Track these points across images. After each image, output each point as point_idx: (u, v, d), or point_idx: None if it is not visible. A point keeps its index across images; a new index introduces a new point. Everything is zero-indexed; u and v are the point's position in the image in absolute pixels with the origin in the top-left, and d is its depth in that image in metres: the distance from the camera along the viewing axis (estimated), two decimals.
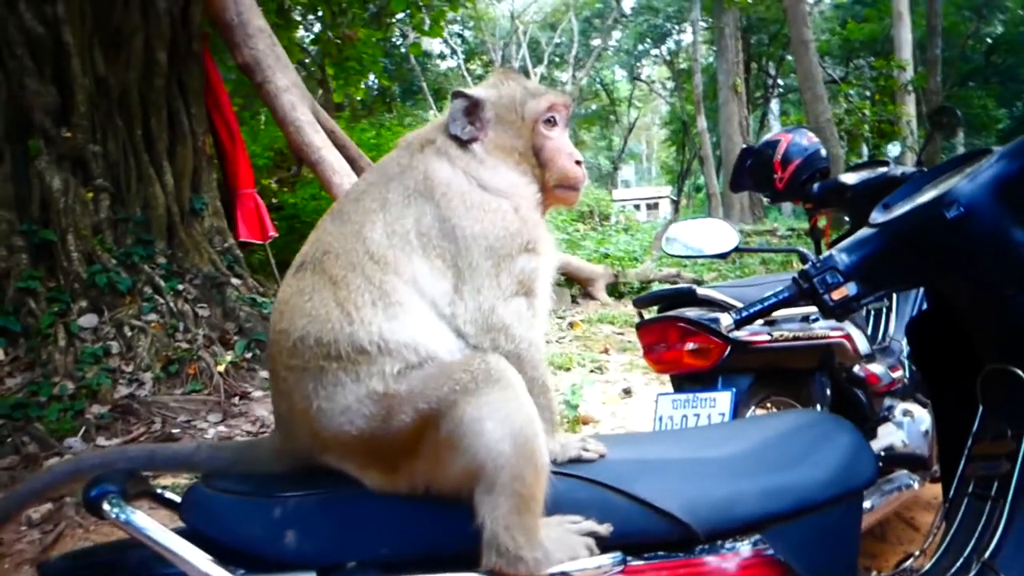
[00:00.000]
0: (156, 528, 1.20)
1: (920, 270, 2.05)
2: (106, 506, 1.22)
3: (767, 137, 4.17)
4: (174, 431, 5.91)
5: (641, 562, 1.36)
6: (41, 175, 6.99)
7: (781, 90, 38.74)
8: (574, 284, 12.52)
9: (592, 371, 7.90)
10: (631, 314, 11.31)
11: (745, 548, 1.44)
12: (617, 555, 1.32)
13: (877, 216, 2.12)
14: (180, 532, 1.28)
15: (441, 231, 1.48)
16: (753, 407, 3.23)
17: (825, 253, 2.06)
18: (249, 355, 7.30)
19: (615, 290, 12.86)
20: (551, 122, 1.66)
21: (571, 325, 10.27)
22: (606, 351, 8.93)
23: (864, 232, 2.07)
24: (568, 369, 7.85)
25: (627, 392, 7.01)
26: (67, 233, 6.93)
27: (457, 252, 1.47)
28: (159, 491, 1.49)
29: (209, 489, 1.37)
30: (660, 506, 1.36)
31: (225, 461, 1.50)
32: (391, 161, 1.62)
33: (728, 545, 1.43)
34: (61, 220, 6.94)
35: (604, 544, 1.33)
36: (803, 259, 3.47)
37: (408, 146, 1.64)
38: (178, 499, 1.44)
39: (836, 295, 1.95)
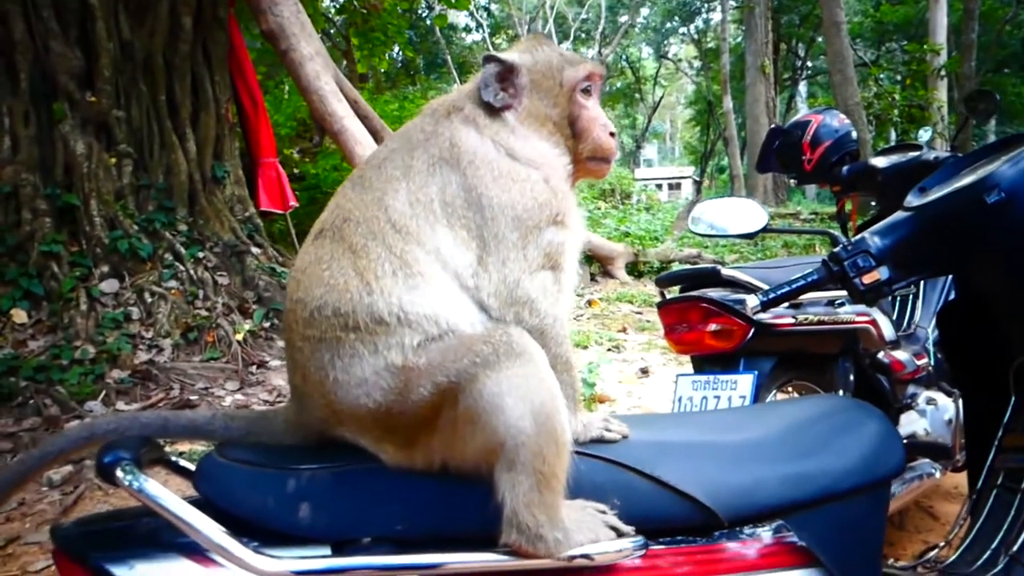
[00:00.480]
0: (169, 497, 1.18)
1: (955, 256, 1.98)
2: (119, 473, 1.20)
3: (796, 118, 4.08)
4: (192, 398, 5.96)
5: (662, 546, 1.32)
6: (65, 139, 7.03)
7: (810, 72, 38.12)
8: (594, 262, 12.45)
9: (609, 350, 7.87)
10: (650, 293, 11.24)
11: (767, 534, 1.41)
12: (638, 539, 1.29)
13: (913, 199, 2.05)
14: (193, 501, 1.26)
15: (467, 201, 1.42)
16: (774, 391, 3.19)
17: (856, 236, 2.00)
18: (267, 324, 7.33)
19: (635, 269, 12.77)
20: (587, 91, 1.60)
21: (589, 303, 10.22)
22: (624, 330, 8.89)
23: (898, 215, 2.01)
24: (585, 347, 7.81)
25: (644, 372, 6.97)
26: (90, 198, 6.97)
27: (483, 223, 1.41)
28: (174, 459, 1.47)
29: (223, 459, 1.35)
30: (683, 490, 1.32)
31: (240, 431, 1.46)
32: (415, 128, 1.56)
33: (750, 531, 1.40)
34: (84, 185, 6.99)
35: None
36: (833, 242, 3.40)
37: (433, 112, 1.57)
38: (192, 467, 1.42)
39: (867, 279, 1.89)
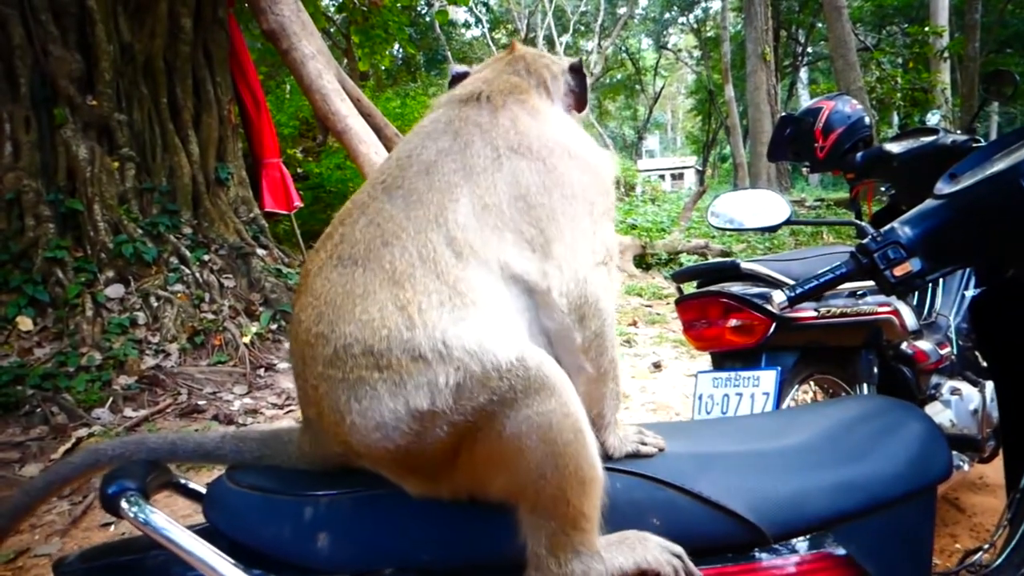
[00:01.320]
0: (176, 530, 1.11)
1: (991, 244, 1.90)
2: (124, 504, 1.13)
3: (808, 104, 4.00)
4: (200, 402, 5.90)
5: (704, 567, 1.23)
6: (67, 144, 6.97)
7: (810, 58, 37.92)
8: None
9: (620, 344, 7.79)
10: (659, 286, 11.17)
11: (813, 548, 1.33)
12: None
13: (943, 187, 1.97)
14: (202, 531, 1.18)
15: (544, 186, 1.32)
16: (797, 386, 3.11)
17: (886, 227, 1.92)
18: (274, 326, 7.29)
19: (642, 261, 12.69)
20: None
21: None
22: (634, 323, 8.82)
23: (928, 204, 1.92)
24: None
25: (657, 366, 6.89)
26: (93, 203, 6.92)
27: (555, 210, 1.31)
28: (183, 481, 1.40)
29: (234, 485, 1.26)
30: (726, 506, 1.24)
31: (251, 453, 1.35)
32: (463, 121, 1.39)
33: (795, 545, 1.32)
34: (87, 189, 6.93)
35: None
36: (859, 233, 3.32)
37: (478, 102, 1.43)
38: (202, 489, 1.35)
39: (898, 271, 1.81)
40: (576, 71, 1.64)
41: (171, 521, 1.11)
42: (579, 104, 1.64)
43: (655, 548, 1.19)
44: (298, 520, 1.19)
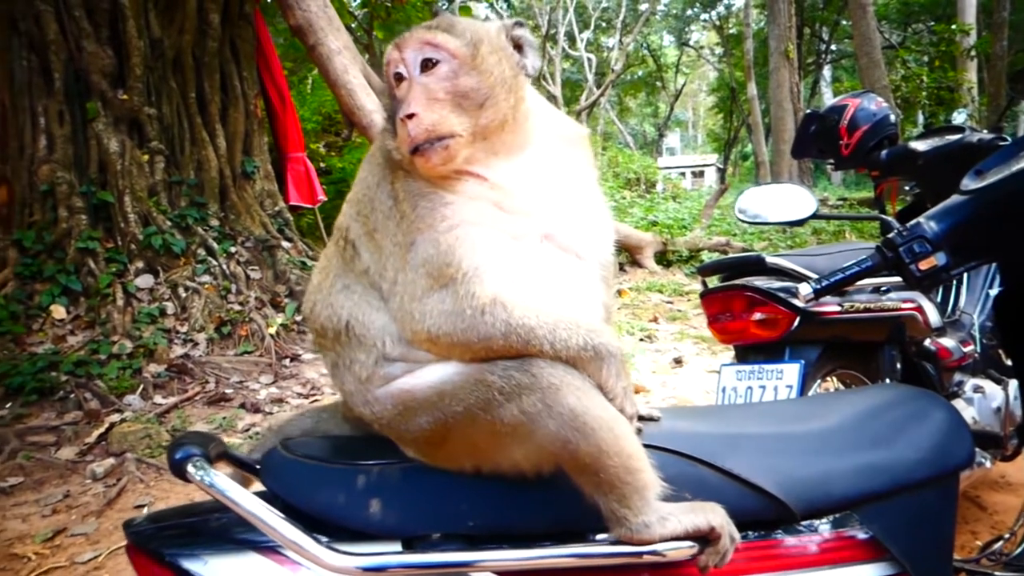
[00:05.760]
0: (240, 493, 1.18)
1: (1016, 240, 1.93)
2: (191, 469, 1.20)
3: (833, 102, 4.00)
4: (227, 391, 6.01)
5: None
6: (99, 137, 7.12)
7: (834, 56, 37.61)
8: (622, 252, 12.39)
9: (641, 340, 7.83)
10: (680, 283, 11.19)
11: (839, 527, 1.38)
12: None
13: (970, 182, 2.00)
14: (260, 497, 1.26)
15: (366, 198, 1.41)
16: (819, 380, 3.15)
17: (911, 221, 1.95)
18: (299, 318, 7.39)
19: (663, 258, 12.68)
20: (399, 78, 1.36)
21: (619, 293, 10.18)
22: (655, 320, 8.84)
23: (954, 199, 1.95)
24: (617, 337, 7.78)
25: (678, 361, 6.92)
26: (124, 195, 7.06)
27: (371, 232, 1.37)
28: (237, 454, 1.47)
29: (290, 455, 1.35)
30: (755, 482, 1.30)
31: (324, 424, 1.52)
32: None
33: (821, 524, 1.38)
34: (118, 182, 7.07)
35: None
36: (884, 228, 3.34)
37: None
38: (244, 458, 1.43)
39: (924, 265, 1.84)
40: None
41: (236, 485, 1.18)
42: None
43: (720, 513, 1.25)
44: (351, 487, 1.27)
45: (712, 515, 1.24)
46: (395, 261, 1.30)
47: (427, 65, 1.33)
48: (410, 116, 1.29)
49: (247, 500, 1.17)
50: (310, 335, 1.37)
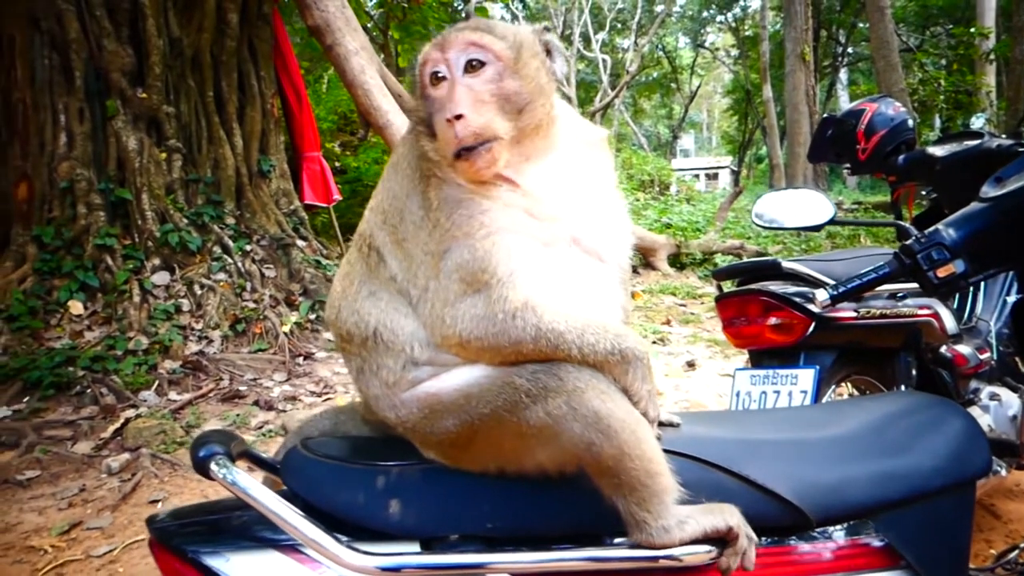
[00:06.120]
0: (262, 492, 1.20)
1: None
2: (213, 467, 1.22)
3: (850, 106, 3.98)
4: (241, 388, 6.05)
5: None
6: (118, 135, 7.19)
7: (851, 58, 37.40)
8: (635, 254, 12.35)
9: (654, 343, 7.82)
10: (693, 286, 11.16)
11: (854, 535, 1.39)
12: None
13: (989, 190, 1.99)
14: (281, 495, 1.28)
15: (394, 208, 1.40)
16: (834, 385, 3.14)
17: (930, 228, 1.95)
18: (313, 316, 7.43)
19: (677, 260, 12.66)
20: (438, 78, 1.34)
21: (632, 295, 10.14)
22: (668, 322, 8.83)
23: (974, 206, 1.95)
24: None
25: (690, 365, 6.91)
26: (141, 192, 7.12)
27: (400, 241, 1.37)
28: (256, 452, 1.49)
29: (310, 454, 1.37)
30: (772, 489, 1.31)
31: (343, 425, 1.53)
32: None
33: (837, 531, 1.38)
34: (136, 179, 7.14)
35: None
36: (901, 234, 3.33)
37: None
38: (263, 456, 1.45)
39: (942, 272, 1.84)
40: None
41: (258, 484, 1.20)
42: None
43: (736, 515, 1.27)
44: (371, 488, 1.29)
45: (729, 516, 1.26)
46: (427, 269, 1.30)
47: (471, 67, 1.32)
48: (457, 117, 1.27)
49: (269, 499, 1.19)
50: (331, 338, 1.37)
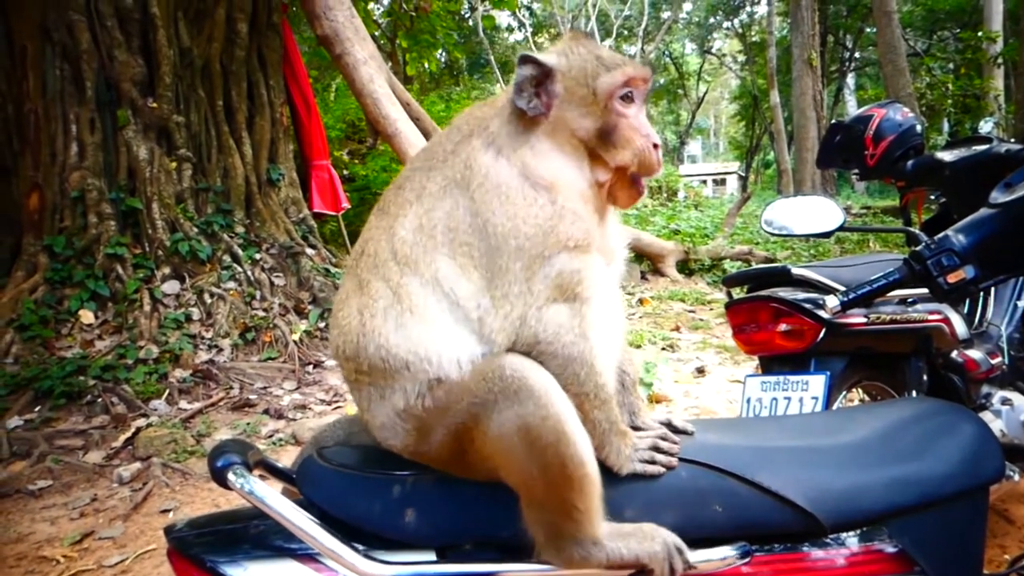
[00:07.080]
0: (280, 501, 1.21)
1: None
2: (231, 476, 1.23)
3: (858, 112, 3.99)
4: (251, 397, 6.08)
5: (765, 553, 1.31)
6: (128, 144, 7.24)
7: (858, 63, 37.34)
8: (644, 260, 12.37)
9: (663, 349, 7.81)
10: (702, 292, 11.14)
11: (868, 541, 1.39)
12: (743, 545, 1.28)
13: (999, 195, 2.00)
14: (298, 505, 1.29)
15: (472, 227, 1.32)
16: (845, 391, 3.14)
17: (939, 234, 1.95)
18: (322, 324, 7.45)
19: (685, 267, 12.64)
20: (627, 98, 1.41)
21: (641, 302, 10.15)
22: (677, 329, 8.81)
23: (983, 212, 1.95)
24: (639, 346, 7.77)
25: (700, 371, 6.90)
26: (152, 201, 7.17)
27: (487, 251, 1.31)
28: (274, 462, 1.50)
29: (326, 463, 1.38)
30: (785, 496, 1.31)
31: (358, 436, 1.52)
32: (438, 145, 1.46)
33: (851, 537, 1.38)
34: (147, 189, 7.19)
35: (728, 535, 1.30)
36: (911, 240, 3.33)
37: (458, 129, 1.47)
38: (279, 465, 1.47)
39: (952, 278, 1.84)
40: (522, 62, 1.41)
41: (275, 493, 1.21)
42: (547, 105, 1.41)
43: (659, 543, 1.26)
44: (387, 497, 1.30)
45: (651, 545, 1.26)
46: (516, 275, 1.30)
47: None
48: (655, 146, 1.42)
49: (286, 508, 1.20)
50: (335, 364, 1.37)
